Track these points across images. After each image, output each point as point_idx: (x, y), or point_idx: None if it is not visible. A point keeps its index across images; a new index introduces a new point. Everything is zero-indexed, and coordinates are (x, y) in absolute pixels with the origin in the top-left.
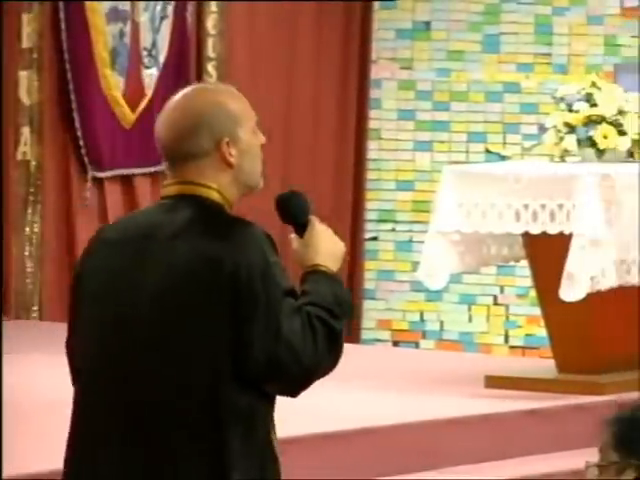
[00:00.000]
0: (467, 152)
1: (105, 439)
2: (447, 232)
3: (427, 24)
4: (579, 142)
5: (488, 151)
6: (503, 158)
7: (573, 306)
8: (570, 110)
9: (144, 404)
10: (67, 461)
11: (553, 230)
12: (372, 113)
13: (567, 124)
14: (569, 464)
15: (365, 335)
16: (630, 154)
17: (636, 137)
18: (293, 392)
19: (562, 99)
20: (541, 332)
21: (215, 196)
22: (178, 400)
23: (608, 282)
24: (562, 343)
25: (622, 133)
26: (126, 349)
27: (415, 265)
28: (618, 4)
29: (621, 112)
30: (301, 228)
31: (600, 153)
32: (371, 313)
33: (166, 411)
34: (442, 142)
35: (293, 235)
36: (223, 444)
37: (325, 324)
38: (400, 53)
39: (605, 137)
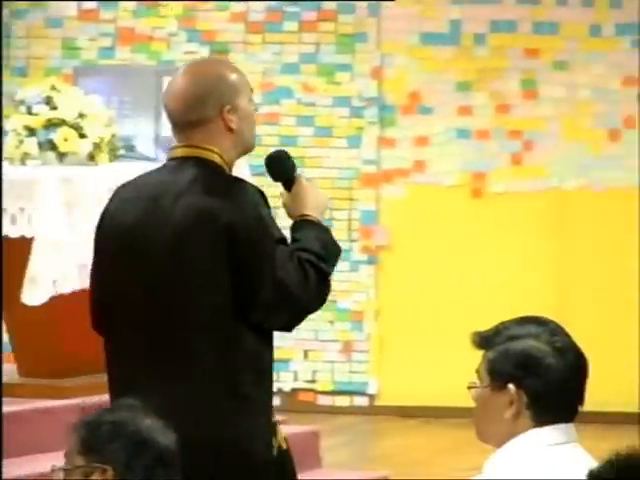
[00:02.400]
0: None
1: (135, 375)
2: None
3: None
4: (40, 145)
5: None
6: None
7: (35, 310)
8: (30, 113)
9: (162, 346)
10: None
11: (14, 233)
12: None
13: (27, 127)
14: (38, 468)
15: None
16: (91, 157)
17: (97, 140)
18: (289, 327)
19: (22, 102)
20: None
21: (216, 158)
22: (190, 343)
23: (70, 285)
24: (25, 347)
25: (83, 136)
26: (140, 297)
27: None
28: (76, 7)
29: (82, 115)
30: (289, 184)
31: (61, 156)
32: None
33: (182, 353)
34: None
35: (282, 190)
36: (237, 384)
37: (314, 266)
38: None
39: (66, 140)
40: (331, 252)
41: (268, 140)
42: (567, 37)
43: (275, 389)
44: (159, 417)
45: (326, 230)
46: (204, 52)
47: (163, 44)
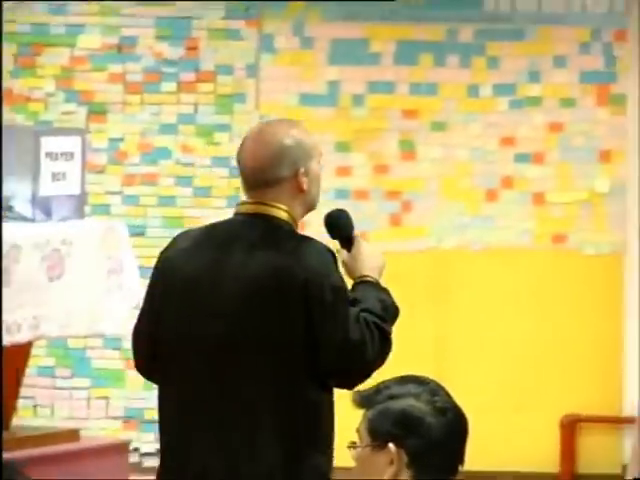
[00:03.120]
0: None
1: (194, 426)
2: None
3: None
4: None
5: None
6: None
7: None
8: None
9: (225, 399)
10: (162, 445)
11: None
12: None
13: None
14: None
15: None
16: None
17: None
18: (353, 385)
19: None
20: None
21: (284, 216)
22: (256, 396)
23: None
24: None
25: None
26: (206, 347)
27: None
28: None
29: None
30: (348, 242)
31: None
32: None
33: (246, 404)
34: None
35: (340, 249)
36: (295, 434)
37: (378, 328)
38: None
39: None
40: (391, 313)
41: (146, 200)
42: (445, 98)
43: (150, 449)
44: (213, 474)
45: (385, 291)
46: (82, 112)
47: (41, 104)
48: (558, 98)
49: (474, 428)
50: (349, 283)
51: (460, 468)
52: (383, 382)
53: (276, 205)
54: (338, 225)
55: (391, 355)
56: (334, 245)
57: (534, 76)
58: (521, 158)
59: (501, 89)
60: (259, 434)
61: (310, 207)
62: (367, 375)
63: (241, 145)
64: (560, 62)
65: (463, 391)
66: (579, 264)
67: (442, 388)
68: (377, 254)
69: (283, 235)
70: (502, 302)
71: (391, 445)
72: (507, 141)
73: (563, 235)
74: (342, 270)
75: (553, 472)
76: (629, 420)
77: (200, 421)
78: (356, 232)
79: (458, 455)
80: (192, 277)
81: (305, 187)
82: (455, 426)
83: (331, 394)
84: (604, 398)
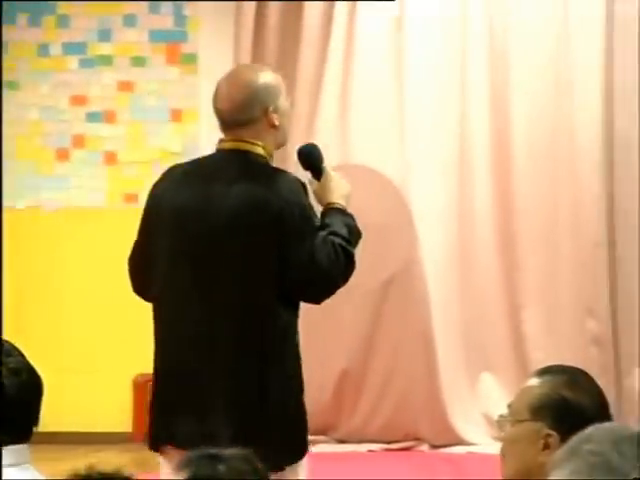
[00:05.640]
0: None
1: (183, 343)
2: None
3: None
4: None
5: None
6: None
7: None
8: None
9: (212, 318)
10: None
11: None
12: None
13: None
14: None
15: None
16: None
17: None
18: (320, 299)
19: None
20: None
21: (260, 151)
22: (240, 315)
23: None
24: None
25: None
26: (192, 275)
27: None
28: None
29: None
30: (318, 173)
31: None
32: None
33: (228, 323)
34: None
35: (311, 179)
36: (268, 347)
37: (343, 249)
38: None
39: None
40: (355, 236)
41: None
42: (15, 57)
43: None
44: (197, 380)
45: (350, 216)
46: None
47: None
48: (129, 57)
49: (49, 389)
50: (319, 210)
51: (34, 429)
52: None
53: (252, 141)
54: (310, 158)
55: None
56: (306, 176)
57: (104, 35)
58: (92, 117)
59: (71, 48)
60: (237, 350)
61: (282, 142)
62: (333, 290)
63: (216, 90)
64: (130, 21)
65: (39, 352)
66: None
67: (16, 349)
68: (343, 183)
69: (259, 168)
70: (78, 262)
71: None
72: (78, 100)
73: (134, 194)
74: (313, 198)
75: (127, 431)
76: None
77: (188, 339)
78: (325, 163)
79: (32, 416)
80: (181, 206)
81: (277, 123)
82: (29, 387)
83: (297, 317)
84: None
